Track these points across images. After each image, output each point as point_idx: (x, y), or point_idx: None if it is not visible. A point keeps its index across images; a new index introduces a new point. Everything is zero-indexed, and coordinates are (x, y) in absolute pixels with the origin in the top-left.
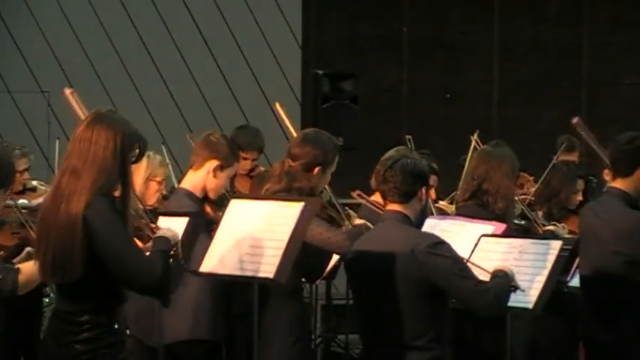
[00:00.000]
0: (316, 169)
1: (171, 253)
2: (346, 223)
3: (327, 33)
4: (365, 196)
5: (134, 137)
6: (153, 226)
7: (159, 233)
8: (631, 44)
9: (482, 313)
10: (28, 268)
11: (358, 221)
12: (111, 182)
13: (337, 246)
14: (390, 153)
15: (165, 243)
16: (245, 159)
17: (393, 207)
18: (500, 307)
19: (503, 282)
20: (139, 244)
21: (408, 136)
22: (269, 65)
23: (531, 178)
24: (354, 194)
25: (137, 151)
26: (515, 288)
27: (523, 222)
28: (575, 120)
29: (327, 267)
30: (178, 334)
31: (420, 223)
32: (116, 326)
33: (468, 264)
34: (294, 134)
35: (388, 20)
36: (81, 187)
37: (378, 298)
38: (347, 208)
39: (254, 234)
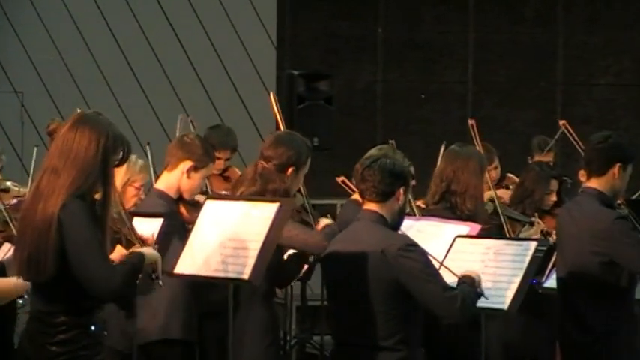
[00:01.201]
0: (289, 170)
1: (152, 272)
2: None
3: (302, 33)
4: (349, 182)
5: (118, 140)
6: (144, 237)
7: (141, 249)
8: (606, 45)
9: (448, 319)
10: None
11: (325, 221)
12: (89, 183)
13: (315, 246)
14: (372, 152)
15: (138, 258)
16: (218, 158)
17: (370, 206)
18: (465, 315)
19: (470, 288)
20: (122, 250)
21: (391, 141)
22: (244, 65)
23: (517, 179)
24: (339, 180)
25: (121, 154)
26: (480, 294)
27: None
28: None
29: (296, 275)
30: (150, 334)
31: (398, 224)
32: (93, 328)
33: (442, 268)
34: (282, 128)
35: (363, 21)
36: (59, 187)
37: (350, 297)
38: (314, 209)
39: (229, 235)
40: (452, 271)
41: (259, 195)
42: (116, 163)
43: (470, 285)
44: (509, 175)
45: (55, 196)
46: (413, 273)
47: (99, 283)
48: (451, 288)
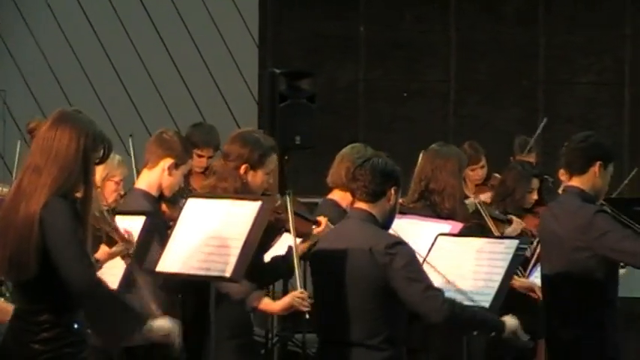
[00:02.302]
0: (242, 167)
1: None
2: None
3: (284, 32)
4: None
5: (99, 138)
6: (126, 233)
7: (155, 324)
8: (588, 43)
9: (430, 319)
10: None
11: (324, 220)
12: (71, 181)
13: None
14: (345, 150)
15: (137, 318)
16: (200, 156)
17: (360, 205)
18: (448, 318)
19: (491, 319)
20: (106, 249)
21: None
22: (226, 64)
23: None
24: None
25: (102, 152)
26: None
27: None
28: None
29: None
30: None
31: (389, 224)
32: (76, 326)
33: (426, 265)
34: None
35: (345, 19)
36: (41, 186)
37: (336, 295)
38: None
39: (211, 233)
40: (438, 271)
41: (212, 190)
42: (97, 160)
43: (497, 321)
44: (496, 174)
45: (37, 194)
46: (398, 270)
47: (77, 283)
48: (435, 288)
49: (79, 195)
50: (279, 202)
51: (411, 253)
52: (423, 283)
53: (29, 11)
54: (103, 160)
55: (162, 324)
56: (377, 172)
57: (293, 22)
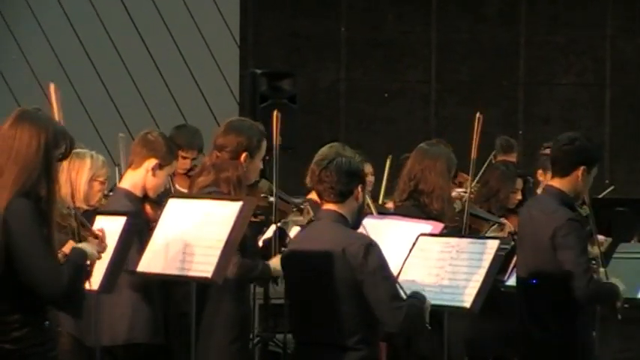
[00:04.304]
0: (243, 156)
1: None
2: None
3: (265, 32)
4: None
5: (60, 135)
6: (97, 232)
7: (79, 245)
8: (568, 44)
9: (387, 328)
10: None
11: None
12: (33, 180)
13: None
14: (323, 150)
15: (79, 256)
16: (184, 158)
17: (330, 206)
18: (404, 329)
19: (418, 305)
20: (74, 244)
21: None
22: (207, 64)
23: (468, 177)
24: None
25: (64, 148)
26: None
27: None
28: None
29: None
30: (115, 338)
31: (358, 222)
32: (46, 324)
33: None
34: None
35: (326, 19)
36: (3, 186)
37: (310, 296)
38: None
39: (192, 233)
40: (403, 290)
41: (214, 184)
42: (59, 157)
43: (419, 302)
44: (461, 173)
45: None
46: (368, 274)
47: (45, 287)
48: (400, 298)
49: (43, 193)
50: (264, 189)
51: (382, 257)
52: (390, 291)
53: (8, 10)
54: (65, 157)
55: (90, 249)
56: (342, 172)
57: (274, 22)
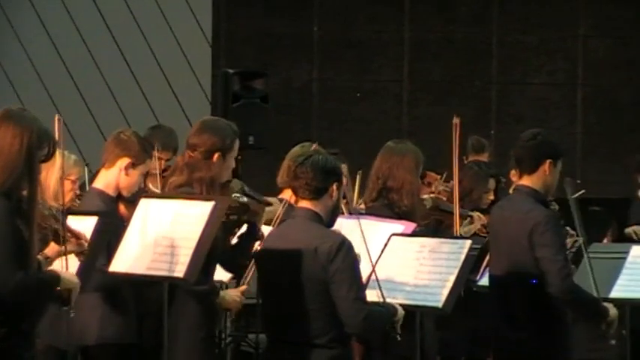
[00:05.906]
0: (215, 156)
1: (64, 298)
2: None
3: (237, 31)
4: None
5: (43, 136)
6: (77, 233)
7: (62, 273)
8: (540, 44)
9: (348, 329)
10: None
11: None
12: (14, 179)
13: None
14: (296, 149)
15: (52, 278)
16: (159, 158)
17: (304, 204)
18: (364, 331)
19: (385, 314)
20: (56, 247)
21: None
22: (179, 64)
23: (439, 176)
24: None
25: (47, 150)
26: (395, 332)
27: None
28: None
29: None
30: (86, 339)
31: (332, 221)
32: (23, 326)
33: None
34: None
35: (298, 19)
36: None
37: (282, 295)
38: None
39: (164, 233)
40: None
41: (187, 185)
42: (42, 158)
43: (390, 313)
44: (429, 172)
45: None
46: (335, 271)
47: None
48: (364, 301)
49: (24, 193)
50: (236, 189)
51: (352, 256)
52: (356, 292)
53: None
54: (48, 158)
55: (71, 278)
56: (318, 169)
57: (246, 21)
